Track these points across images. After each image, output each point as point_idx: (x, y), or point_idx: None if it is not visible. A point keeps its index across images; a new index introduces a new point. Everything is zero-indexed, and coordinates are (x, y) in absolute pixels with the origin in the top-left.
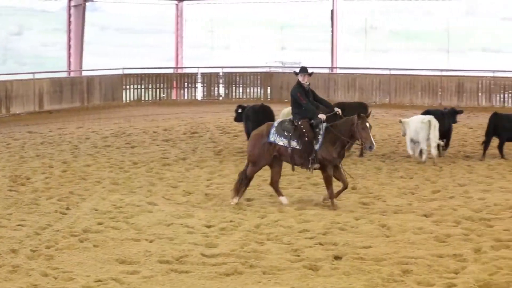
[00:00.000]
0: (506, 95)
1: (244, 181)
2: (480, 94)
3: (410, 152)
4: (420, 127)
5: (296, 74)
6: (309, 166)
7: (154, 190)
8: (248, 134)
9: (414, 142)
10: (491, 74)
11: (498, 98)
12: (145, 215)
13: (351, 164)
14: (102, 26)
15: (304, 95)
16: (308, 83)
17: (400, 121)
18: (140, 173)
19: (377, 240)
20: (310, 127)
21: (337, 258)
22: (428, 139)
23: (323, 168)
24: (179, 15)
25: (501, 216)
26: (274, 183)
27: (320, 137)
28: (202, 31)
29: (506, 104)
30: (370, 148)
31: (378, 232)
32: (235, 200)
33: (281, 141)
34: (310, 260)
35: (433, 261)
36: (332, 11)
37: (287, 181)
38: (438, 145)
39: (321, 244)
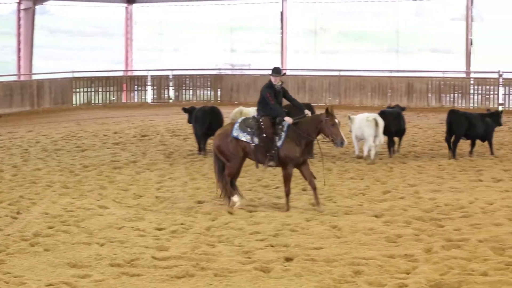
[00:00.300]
0: (455, 95)
1: (232, 182)
2: (430, 95)
3: (357, 151)
4: (365, 125)
5: (270, 74)
6: (265, 162)
7: (104, 194)
8: (197, 135)
9: (358, 139)
10: (440, 75)
11: (448, 98)
12: (96, 218)
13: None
14: (51, 29)
15: (274, 95)
16: (280, 83)
17: (349, 117)
18: (91, 176)
19: (328, 241)
20: (271, 124)
21: (288, 259)
22: (375, 136)
23: (283, 166)
24: (128, 17)
25: (452, 216)
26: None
27: (283, 134)
28: (151, 33)
29: (456, 105)
30: (342, 143)
31: (329, 233)
32: (236, 199)
33: (244, 137)
34: (262, 262)
35: (384, 261)
36: (281, 13)
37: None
38: (394, 144)
39: (272, 246)
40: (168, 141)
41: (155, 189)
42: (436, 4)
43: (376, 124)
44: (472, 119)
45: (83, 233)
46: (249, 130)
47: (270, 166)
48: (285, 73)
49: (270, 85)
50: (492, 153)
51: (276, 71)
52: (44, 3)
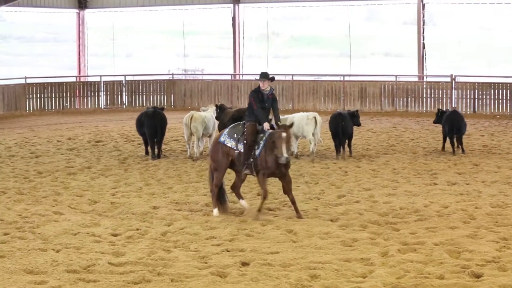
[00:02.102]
0: (408, 99)
1: (220, 191)
2: (383, 99)
3: (295, 150)
4: (305, 123)
5: (257, 79)
6: (243, 169)
7: (59, 200)
8: (145, 139)
9: (297, 137)
10: (393, 79)
11: (401, 102)
12: (51, 224)
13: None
14: (3, 35)
15: (259, 100)
16: (270, 89)
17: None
18: (45, 182)
19: (284, 246)
20: (254, 131)
21: (244, 264)
22: (313, 134)
23: (257, 173)
24: (80, 23)
25: (407, 219)
26: (235, 188)
27: (261, 143)
28: (104, 39)
29: (409, 109)
30: (279, 158)
31: (285, 238)
32: (215, 212)
33: (230, 143)
34: (218, 266)
35: (340, 265)
36: (233, 18)
37: (193, 188)
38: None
39: (228, 251)
40: (122, 146)
41: (110, 194)
42: (387, 8)
43: (316, 122)
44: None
45: (38, 239)
46: (235, 136)
47: (246, 173)
48: (273, 77)
49: (257, 90)
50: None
51: (263, 75)
52: None
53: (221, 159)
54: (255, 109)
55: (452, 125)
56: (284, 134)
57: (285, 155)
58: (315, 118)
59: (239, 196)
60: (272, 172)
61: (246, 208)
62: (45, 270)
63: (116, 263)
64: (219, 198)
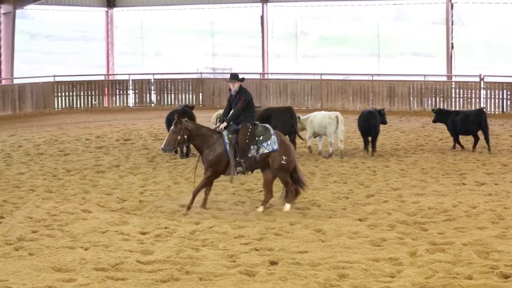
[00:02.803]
0: (437, 99)
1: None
2: (411, 98)
3: (309, 143)
4: (328, 122)
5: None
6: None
7: (88, 198)
8: None
9: (315, 136)
10: (422, 78)
11: (429, 102)
12: (79, 222)
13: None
14: (32, 33)
15: (229, 100)
16: (238, 89)
17: (299, 118)
18: (74, 180)
19: (313, 245)
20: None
21: (273, 263)
22: (335, 133)
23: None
24: (109, 21)
25: (436, 219)
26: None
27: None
28: (132, 38)
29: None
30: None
31: (313, 237)
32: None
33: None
34: (246, 265)
35: (369, 265)
36: (261, 17)
37: (221, 186)
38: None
39: (256, 250)
40: (151, 145)
41: (138, 193)
42: (416, 8)
43: (337, 122)
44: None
45: (67, 237)
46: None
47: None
48: (243, 78)
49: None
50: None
51: (231, 77)
52: (25, 8)
53: None
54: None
55: None
56: (174, 127)
57: (163, 145)
58: (336, 117)
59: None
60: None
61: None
62: (73, 268)
63: (144, 261)
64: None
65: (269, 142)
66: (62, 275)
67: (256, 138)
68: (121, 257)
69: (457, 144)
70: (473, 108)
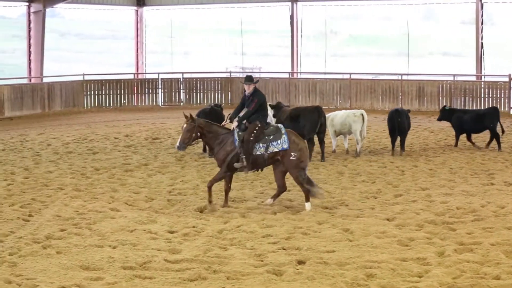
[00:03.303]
0: (466, 98)
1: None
2: (441, 98)
3: (334, 146)
4: (353, 120)
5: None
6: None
7: (116, 196)
8: None
9: (337, 135)
10: (451, 78)
11: (458, 102)
12: (107, 221)
13: (313, 168)
14: (61, 32)
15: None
16: (252, 91)
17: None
18: (102, 179)
19: (340, 245)
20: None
21: (300, 262)
22: (361, 131)
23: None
24: (138, 20)
25: (464, 219)
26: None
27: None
28: (162, 36)
29: (467, 108)
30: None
31: (341, 237)
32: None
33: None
34: (274, 265)
35: (396, 265)
36: (291, 16)
37: (250, 186)
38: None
39: (284, 249)
40: None
41: (166, 192)
42: (445, 7)
43: (363, 120)
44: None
45: (95, 235)
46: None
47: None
48: (258, 80)
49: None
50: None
51: (246, 79)
52: (54, 6)
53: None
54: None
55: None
56: (185, 125)
57: (177, 144)
58: (362, 115)
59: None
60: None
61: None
62: (101, 266)
63: (172, 260)
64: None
65: (279, 141)
66: (90, 273)
67: (266, 137)
68: (149, 255)
69: (471, 142)
70: (502, 109)
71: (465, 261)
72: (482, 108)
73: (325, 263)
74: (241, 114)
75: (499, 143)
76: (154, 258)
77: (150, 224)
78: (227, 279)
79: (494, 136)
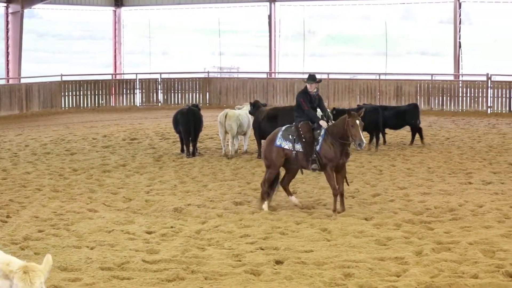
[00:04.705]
0: (444, 98)
1: (267, 187)
2: (418, 98)
3: None
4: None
5: (305, 81)
6: (309, 165)
7: (94, 197)
8: (181, 137)
9: None
10: (429, 78)
11: (436, 101)
12: (85, 222)
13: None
14: (40, 33)
15: (308, 101)
16: (316, 90)
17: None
18: (80, 180)
19: (318, 244)
20: (310, 129)
21: (278, 262)
22: None
23: (323, 168)
24: (116, 21)
25: (442, 218)
26: (284, 184)
27: (320, 138)
28: (140, 37)
29: (444, 107)
30: (360, 145)
31: (319, 236)
32: (265, 207)
33: (287, 145)
34: (252, 265)
35: (374, 264)
36: (269, 16)
37: (227, 186)
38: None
39: (262, 249)
40: (157, 144)
41: (144, 192)
42: (423, 7)
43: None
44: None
45: (73, 236)
46: (290, 137)
47: (313, 169)
48: (321, 79)
49: (305, 91)
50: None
51: (311, 78)
52: (32, 7)
53: (275, 159)
54: (306, 110)
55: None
56: (358, 122)
57: (364, 140)
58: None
59: (289, 193)
60: (336, 162)
61: (297, 203)
62: (79, 267)
63: (150, 261)
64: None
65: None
66: (68, 274)
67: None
68: (127, 256)
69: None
70: (480, 108)
71: (443, 260)
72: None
73: (303, 263)
74: (321, 113)
75: (422, 137)
76: (132, 258)
77: (128, 224)
78: (205, 279)
79: (417, 131)
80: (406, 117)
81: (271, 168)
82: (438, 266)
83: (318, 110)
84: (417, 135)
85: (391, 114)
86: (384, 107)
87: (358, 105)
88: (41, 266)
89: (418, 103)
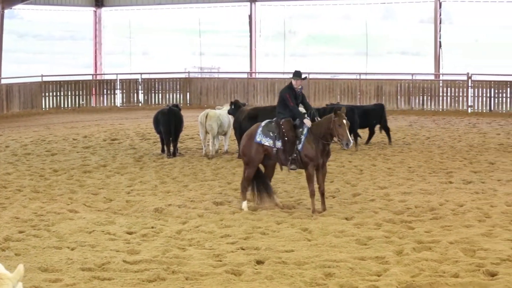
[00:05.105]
0: (425, 97)
1: (246, 185)
2: (399, 97)
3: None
4: None
5: (291, 77)
6: (288, 165)
7: (75, 198)
8: (162, 137)
9: None
10: (409, 77)
11: (417, 100)
12: (66, 222)
13: None
14: (20, 33)
15: (294, 97)
16: (300, 87)
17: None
18: (61, 180)
19: (299, 244)
20: (292, 127)
21: (259, 262)
22: None
23: (305, 167)
24: (97, 21)
25: (422, 218)
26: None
27: (303, 137)
28: (120, 37)
29: (425, 107)
30: (347, 144)
31: (299, 236)
32: (244, 206)
33: (267, 141)
34: (233, 265)
35: (355, 264)
36: (249, 16)
37: (208, 186)
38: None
39: (243, 249)
40: (138, 144)
41: (125, 193)
42: (404, 7)
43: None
44: None
45: (53, 237)
46: (271, 134)
47: (292, 169)
48: (306, 76)
49: (290, 87)
50: None
51: (297, 74)
52: (13, 7)
53: (254, 156)
54: (292, 106)
55: None
56: (345, 121)
57: (351, 140)
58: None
59: (271, 191)
60: (316, 162)
61: (277, 202)
62: (60, 268)
63: (131, 261)
64: (263, 190)
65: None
66: (49, 275)
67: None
68: (108, 257)
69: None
70: (461, 108)
71: (424, 260)
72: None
73: (283, 263)
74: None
75: (389, 137)
76: (113, 259)
77: (109, 225)
78: (186, 280)
79: (386, 130)
80: (372, 116)
81: (250, 165)
82: (418, 265)
83: (301, 107)
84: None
85: (358, 113)
86: (351, 107)
87: (326, 105)
88: (11, 274)
89: (399, 103)
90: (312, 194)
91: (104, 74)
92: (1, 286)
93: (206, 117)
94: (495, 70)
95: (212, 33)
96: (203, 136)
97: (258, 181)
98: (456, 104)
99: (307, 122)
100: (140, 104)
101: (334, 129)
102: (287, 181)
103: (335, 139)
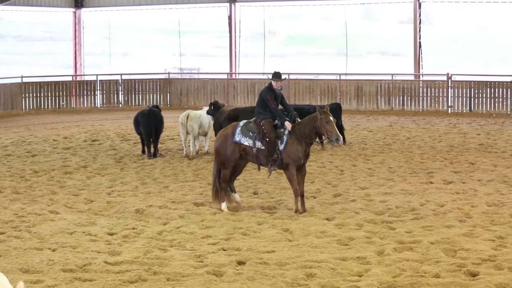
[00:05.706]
0: (405, 98)
1: (224, 186)
2: (379, 98)
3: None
4: None
5: (270, 78)
6: (269, 167)
7: (55, 199)
8: (142, 138)
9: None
10: (389, 78)
11: (397, 101)
12: (47, 223)
13: (251, 169)
14: (0, 34)
15: (274, 99)
16: (280, 88)
17: None
18: (41, 181)
19: (280, 245)
20: (273, 127)
21: (240, 263)
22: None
23: (285, 167)
24: (77, 22)
25: (403, 218)
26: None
27: (285, 138)
28: (100, 38)
29: (405, 107)
30: (337, 140)
31: (281, 237)
32: (224, 207)
33: (246, 141)
34: (214, 265)
35: (336, 264)
36: (229, 17)
37: (189, 187)
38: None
39: (224, 250)
40: (118, 145)
41: (106, 193)
42: (384, 7)
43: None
44: None
45: (34, 238)
46: (251, 134)
47: (272, 169)
48: (285, 78)
49: (270, 88)
50: None
51: (276, 75)
52: None
53: (230, 155)
54: (273, 107)
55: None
56: (332, 118)
57: (340, 136)
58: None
59: (233, 190)
60: (298, 163)
61: (239, 201)
62: (41, 269)
63: (112, 262)
64: (223, 192)
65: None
66: (30, 276)
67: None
68: (89, 258)
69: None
70: (440, 108)
71: (405, 260)
72: None
73: (265, 263)
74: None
75: (343, 137)
76: (94, 260)
77: (90, 226)
78: (167, 281)
79: (339, 129)
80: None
81: (225, 165)
82: (400, 265)
83: (281, 107)
84: None
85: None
86: (308, 106)
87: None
88: None
89: (379, 103)
90: (296, 194)
91: (84, 75)
92: None
93: (187, 117)
94: (475, 70)
95: (192, 34)
96: (184, 137)
97: (219, 180)
98: (436, 105)
99: (288, 125)
100: (120, 105)
101: (321, 127)
102: (268, 181)
103: (323, 136)
